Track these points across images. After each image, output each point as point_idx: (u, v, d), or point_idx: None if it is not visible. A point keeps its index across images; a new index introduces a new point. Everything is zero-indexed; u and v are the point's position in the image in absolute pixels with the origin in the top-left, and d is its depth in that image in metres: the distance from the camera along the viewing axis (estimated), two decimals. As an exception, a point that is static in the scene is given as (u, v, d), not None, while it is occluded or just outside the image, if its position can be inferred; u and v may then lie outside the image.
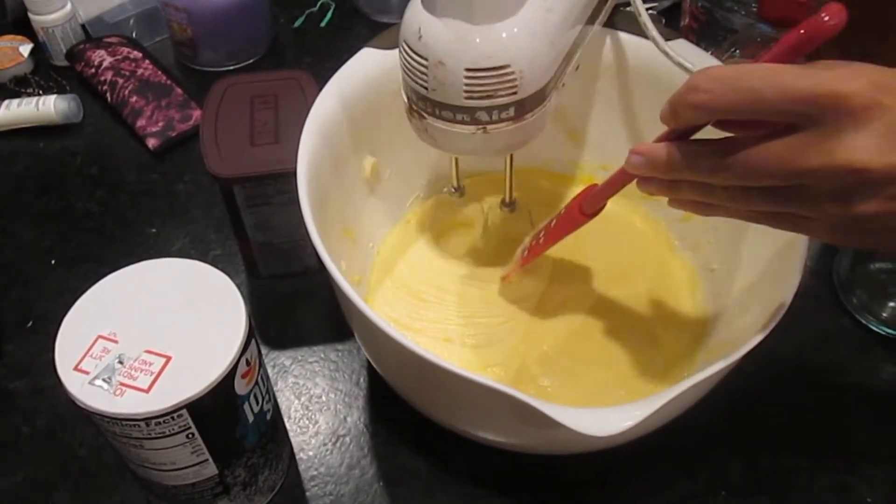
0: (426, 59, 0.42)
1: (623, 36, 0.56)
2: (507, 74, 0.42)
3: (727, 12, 0.70)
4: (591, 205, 0.48)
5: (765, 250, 0.49)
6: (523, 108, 0.44)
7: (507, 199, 0.57)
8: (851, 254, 0.60)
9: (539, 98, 0.44)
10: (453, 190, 0.58)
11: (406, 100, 0.47)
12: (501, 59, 0.41)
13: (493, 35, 0.41)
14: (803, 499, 0.51)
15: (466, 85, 0.42)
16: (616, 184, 0.44)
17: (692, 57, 0.53)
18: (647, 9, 0.81)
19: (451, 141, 0.46)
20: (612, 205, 0.63)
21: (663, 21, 0.80)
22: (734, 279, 0.53)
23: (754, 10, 0.63)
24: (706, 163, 0.36)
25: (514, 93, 0.43)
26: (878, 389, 0.56)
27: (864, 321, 0.59)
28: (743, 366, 0.42)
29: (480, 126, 0.44)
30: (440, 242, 0.61)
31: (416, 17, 0.42)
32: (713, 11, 0.71)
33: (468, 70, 0.42)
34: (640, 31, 0.55)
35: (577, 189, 0.64)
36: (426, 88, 0.44)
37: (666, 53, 0.51)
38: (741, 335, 0.44)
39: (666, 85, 0.54)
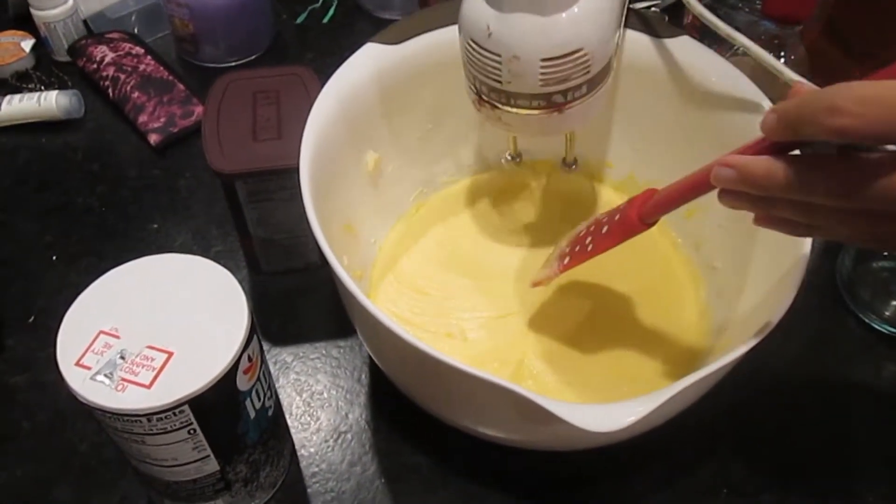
0: (499, 55, 0.43)
1: (629, 33, 0.56)
2: (581, 57, 0.43)
3: (730, 10, 0.69)
4: (652, 214, 0.45)
5: (768, 248, 0.49)
6: (594, 82, 0.46)
7: (568, 160, 0.58)
8: (854, 252, 0.60)
9: (607, 70, 0.46)
10: (509, 158, 0.59)
11: (475, 93, 0.48)
12: (575, 45, 0.43)
13: (565, 22, 0.42)
14: (805, 498, 0.51)
15: (542, 74, 0.44)
16: (687, 194, 0.41)
17: (697, 55, 0.53)
18: (650, 6, 0.81)
19: (527, 124, 0.47)
20: (611, 200, 0.63)
21: (666, 19, 0.80)
22: (737, 277, 0.53)
23: (758, 7, 0.63)
24: (826, 185, 0.32)
25: (587, 72, 0.45)
26: (881, 388, 0.56)
27: (866, 320, 0.59)
28: (745, 363, 0.42)
29: (556, 108, 0.46)
30: (442, 238, 0.61)
31: (482, 15, 0.43)
32: (716, 9, 0.71)
33: (544, 60, 0.43)
34: (640, 27, 0.55)
35: (558, 189, 0.64)
36: (500, 82, 0.45)
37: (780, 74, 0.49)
38: (743, 333, 0.44)
39: (670, 80, 0.55)
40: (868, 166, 0.31)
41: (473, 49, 0.45)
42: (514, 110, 0.46)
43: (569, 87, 0.45)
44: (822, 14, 0.67)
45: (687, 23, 0.74)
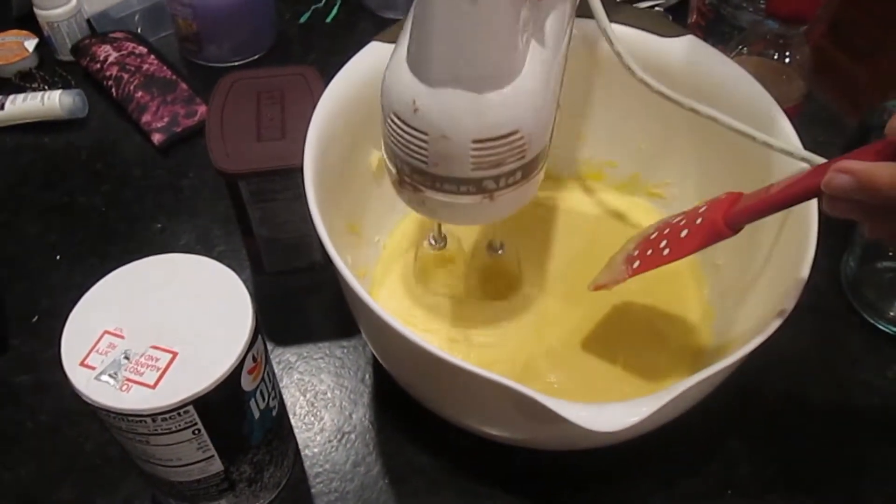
0: (426, 134, 0.39)
1: (633, 32, 0.55)
2: (516, 140, 0.39)
3: (734, 9, 0.69)
4: (741, 219, 0.42)
5: (772, 247, 0.49)
6: (529, 168, 0.42)
7: (497, 245, 0.55)
8: (859, 253, 0.60)
9: (543, 154, 0.42)
10: (433, 242, 0.55)
11: (395, 172, 0.43)
12: (510, 126, 0.39)
13: (499, 101, 0.38)
14: (811, 499, 0.51)
15: (473, 157, 0.39)
16: (787, 200, 0.38)
17: (701, 54, 0.53)
18: (654, 6, 0.81)
19: (454, 212, 0.42)
20: (614, 200, 0.63)
21: (670, 18, 0.80)
22: (740, 276, 0.53)
23: (762, 6, 0.63)
24: None
25: (523, 156, 0.40)
26: (886, 388, 0.56)
27: (871, 320, 0.59)
28: (749, 363, 0.42)
29: (487, 194, 0.41)
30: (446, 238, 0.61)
31: (407, 88, 0.38)
32: (720, 8, 0.71)
33: (476, 141, 0.38)
34: (644, 27, 0.55)
35: (559, 190, 0.64)
36: (426, 163, 0.40)
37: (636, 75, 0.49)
38: (747, 332, 0.44)
39: (674, 79, 0.55)
40: None
41: (397, 125, 0.39)
42: (440, 196, 0.41)
43: (502, 172, 0.40)
44: (826, 14, 0.67)
45: (691, 22, 0.74)
